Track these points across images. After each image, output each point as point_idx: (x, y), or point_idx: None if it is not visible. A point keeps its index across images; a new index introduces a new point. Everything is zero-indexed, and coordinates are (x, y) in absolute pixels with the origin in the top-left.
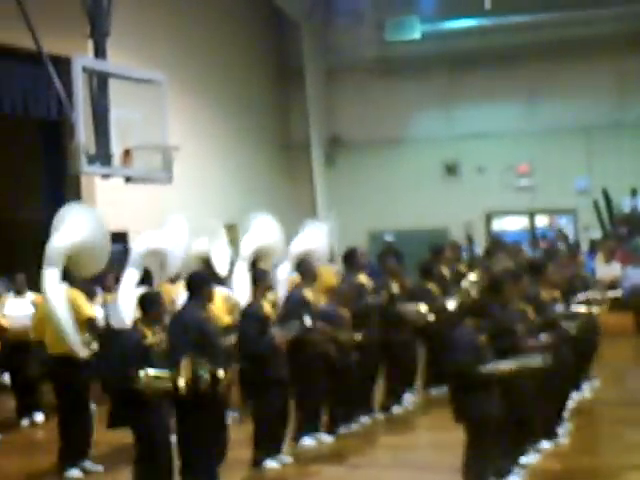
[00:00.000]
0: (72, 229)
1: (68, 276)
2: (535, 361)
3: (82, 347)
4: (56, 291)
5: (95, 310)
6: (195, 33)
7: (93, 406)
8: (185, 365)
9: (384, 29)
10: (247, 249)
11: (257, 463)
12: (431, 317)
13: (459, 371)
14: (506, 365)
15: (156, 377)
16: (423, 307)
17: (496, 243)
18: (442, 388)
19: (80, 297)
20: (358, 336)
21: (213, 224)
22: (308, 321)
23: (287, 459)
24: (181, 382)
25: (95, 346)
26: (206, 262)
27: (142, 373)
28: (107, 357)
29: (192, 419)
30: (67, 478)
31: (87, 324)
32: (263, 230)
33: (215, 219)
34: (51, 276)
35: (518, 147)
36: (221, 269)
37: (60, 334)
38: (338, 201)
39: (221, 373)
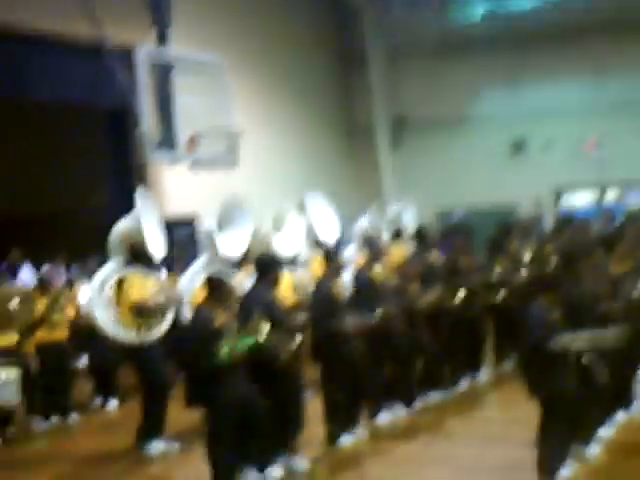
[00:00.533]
0: (128, 216)
1: (141, 258)
2: (611, 334)
3: (128, 334)
4: (97, 288)
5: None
6: (257, 19)
7: None
8: (257, 322)
9: (447, 9)
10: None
11: (332, 439)
12: (500, 295)
13: (534, 348)
14: (581, 340)
15: (239, 340)
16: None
17: (565, 221)
18: (511, 363)
19: (134, 282)
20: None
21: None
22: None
23: (363, 435)
24: (261, 336)
25: (154, 328)
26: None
27: (223, 346)
28: (182, 338)
29: (267, 392)
30: (146, 455)
31: (133, 310)
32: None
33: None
34: (104, 270)
35: (585, 123)
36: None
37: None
38: (405, 182)
39: (294, 344)
